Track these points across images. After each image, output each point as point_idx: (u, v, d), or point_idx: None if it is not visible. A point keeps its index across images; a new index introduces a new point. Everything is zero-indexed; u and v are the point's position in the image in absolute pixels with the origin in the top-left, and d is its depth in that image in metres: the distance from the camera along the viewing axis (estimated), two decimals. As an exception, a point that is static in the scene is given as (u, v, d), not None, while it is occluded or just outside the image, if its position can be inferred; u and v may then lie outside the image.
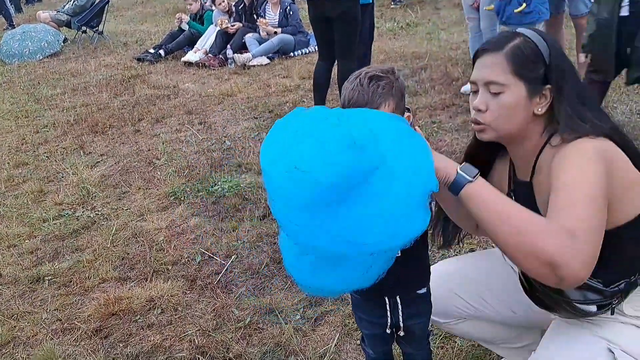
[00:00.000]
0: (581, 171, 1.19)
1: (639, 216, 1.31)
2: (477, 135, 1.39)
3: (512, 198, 1.45)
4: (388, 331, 1.54)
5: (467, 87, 4.77)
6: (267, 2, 7.13)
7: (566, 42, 4.83)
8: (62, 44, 8.85)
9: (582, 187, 1.17)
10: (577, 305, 1.34)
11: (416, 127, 1.36)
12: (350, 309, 2.20)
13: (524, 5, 3.97)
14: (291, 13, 6.96)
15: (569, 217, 1.13)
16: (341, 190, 1.09)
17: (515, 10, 4.00)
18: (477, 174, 1.18)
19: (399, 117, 1.29)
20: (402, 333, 1.54)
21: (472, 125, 1.38)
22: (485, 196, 1.17)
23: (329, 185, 1.07)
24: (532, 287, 1.41)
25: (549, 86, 1.30)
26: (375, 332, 1.57)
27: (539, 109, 1.31)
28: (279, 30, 6.89)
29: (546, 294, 1.37)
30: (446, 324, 1.78)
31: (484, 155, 1.53)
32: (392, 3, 9.55)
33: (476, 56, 1.36)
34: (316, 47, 5.88)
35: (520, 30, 1.36)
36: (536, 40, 1.31)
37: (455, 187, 1.19)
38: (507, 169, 1.52)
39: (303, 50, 6.94)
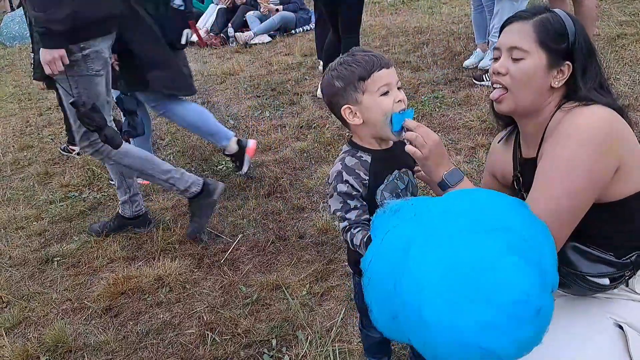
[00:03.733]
0: (573, 161, 1.25)
1: None
2: (495, 107, 1.42)
3: (519, 179, 1.47)
4: None
5: (469, 62, 4.74)
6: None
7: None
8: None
9: (568, 181, 1.25)
10: (590, 278, 1.34)
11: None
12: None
13: None
14: (290, -12, 6.90)
15: (552, 222, 1.22)
16: None
17: None
18: (458, 181, 1.36)
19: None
20: None
21: (491, 95, 1.41)
22: None
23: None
24: None
25: (568, 62, 1.34)
26: None
27: (556, 82, 1.35)
28: (280, 7, 6.83)
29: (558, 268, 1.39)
30: None
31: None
32: None
33: (505, 24, 1.41)
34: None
35: (550, 7, 1.41)
36: (564, 17, 1.36)
37: (441, 187, 1.39)
38: (512, 150, 1.53)
39: (304, 27, 6.89)
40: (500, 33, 1.43)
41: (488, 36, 4.65)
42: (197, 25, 7.12)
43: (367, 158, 1.45)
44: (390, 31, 6.26)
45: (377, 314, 1.24)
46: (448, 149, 3.41)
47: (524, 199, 1.42)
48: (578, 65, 1.34)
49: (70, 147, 4.08)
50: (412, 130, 1.35)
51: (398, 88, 1.41)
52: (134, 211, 2.97)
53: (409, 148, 1.36)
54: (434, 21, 6.39)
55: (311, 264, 2.55)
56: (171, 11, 3.03)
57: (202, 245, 2.79)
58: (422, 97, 4.23)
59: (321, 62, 4.91)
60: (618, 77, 4.05)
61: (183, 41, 3.14)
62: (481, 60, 4.68)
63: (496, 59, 1.39)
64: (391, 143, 1.49)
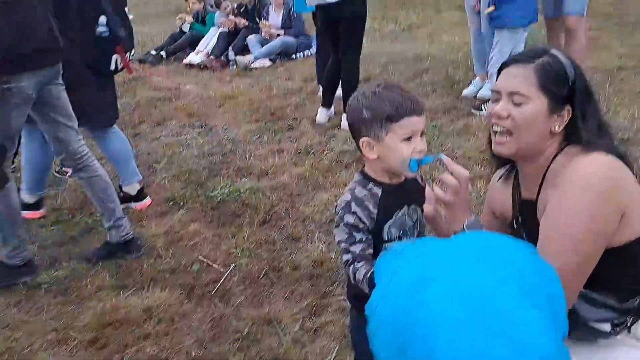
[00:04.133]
0: (579, 212, 1.23)
1: None
2: (495, 150, 1.38)
3: (518, 220, 1.44)
4: None
5: (468, 91, 4.73)
6: (270, 4, 7.09)
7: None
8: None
9: (577, 232, 1.23)
10: (591, 324, 1.31)
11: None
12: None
13: (493, 7, 3.98)
14: (295, 15, 6.92)
15: (563, 274, 1.14)
16: None
17: (486, 11, 4.01)
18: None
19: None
20: None
21: (495, 140, 1.37)
22: None
23: None
24: None
25: (568, 107, 1.32)
26: None
27: (556, 127, 1.32)
28: (282, 32, 6.85)
29: None
30: None
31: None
32: None
33: (504, 66, 1.38)
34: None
35: (547, 48, 1.39)
36: (564, 61, 1.33)
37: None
38: (511, 190, 1.50)
39: (305, 53, 6.90)
40: (498, 73, 1.40)
41: (487, 66, 4.66)
42: (198, 47, 7.15)
43: (378, 191, 1.42)
44: (390, 58, 6.28)
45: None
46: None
47: (523, 238, 1.39)
48: (578, 109, 1.32)
49: (64, 169, 4.04)
50: (451, 174, 1.30)
51: (422, 134, 1.39)
52: (121, 236, 2.91)
53: (437, 192, 1.33)
54: (434, 49, 6.42)
55: (305, 297, 2.48)
56: (97, 38, 3.01)
57: (193, 276, 2.73)
58: (421, 125, 4.20)
59: (321, 88, 4.91)
60: (617, 110, 4.04)
61: (112, 67, 3.15)
62: (480, 89, 4.67)
63: (495, 101, 1.37)
64: (403, 178, 1.46)
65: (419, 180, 1.52)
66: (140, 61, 7.32)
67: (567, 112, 1.32)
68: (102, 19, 3.02)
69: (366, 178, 1.45)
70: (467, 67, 5.40)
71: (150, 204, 3.45)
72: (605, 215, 1.24)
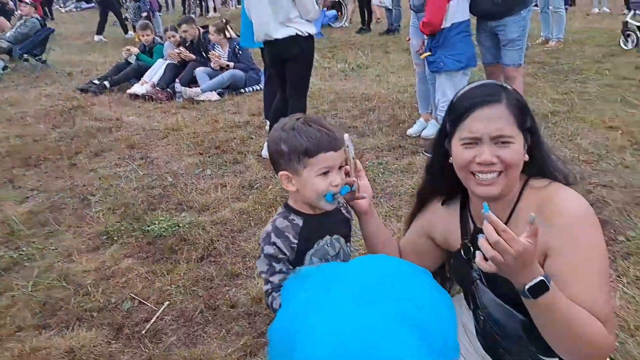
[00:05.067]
0: (595, 247, 1.24)
1: None
2: (481, 192, 1.32)
3: (469, 248, 1.41)
4: None
5: (413, 130, 4.82)
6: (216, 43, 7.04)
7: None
8: (2, 71, 8.50)
9: (600, 266, 1.23)
10: (542, 357, 1.32)
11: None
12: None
13: (429, 52, 4.14)
14: (240, 53, 6.90)
15: (600, 308, 1.19)
16: None
17: (421, 56, 4.16)
18: (543, 294, 1.15)
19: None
20: None
21: (472, 180, 1.33)
22: (561, 305, 1.18)
23: None
24: (494, 343, 1.37)
25: (528, 136, 1.35)
26: None
27: (525, 157, 1.34)
28: (231, 64, 6.83)
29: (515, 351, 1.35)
30: None
31: (432, 199, 1.59)
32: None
33: (472, 108, 1.32)
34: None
35: (499, 82, 1.40)
36: (518, 93, 1.36)
37: (534, 292, 1.15)
38: (458, 218, 1.49)
39: (254, 87, 6.90)
40: (465, 115, 1.33)
41: (431, 107, 4.78)
42: (144, 78, 7.01)
43: (299, 222, 1.43)
44: (338, 96, 6.36)
45: None
46: (389, 215, 3.38)
47: (471, 266, 1.39)
48: (537, 136, 1.36)
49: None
50: (490, 237, 1.10)
51: (340, 167, 1.41)
52: None
53: (479, 262, 1.14)
54: (381, 89, 6.56)
55: (241, 336, 2.38)
56: None
57: (123, 314, 2.57)
58: (367, 162, 4.23)
59: (268, 122, 4.88)
60: (553, 148, 4.20)
61: None
62: (424, 129, 4.77)
63: (470, 145, 1.31)
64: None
65: (343, 210, 1.56)
66: (82, 90, 7.12)
67: (528, 142, 1.35)
68: None
69: (289, 209, 1.47)
70: (412, 107, 5.52)
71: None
72: (602, 238, 1.28)
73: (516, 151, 1.30)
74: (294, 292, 1.27)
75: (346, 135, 1.49)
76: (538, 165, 1.36)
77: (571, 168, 1.40)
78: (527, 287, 1.13)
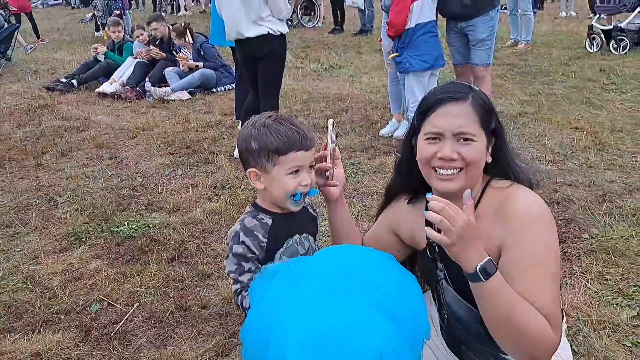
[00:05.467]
0: (546, 245, 1.27)
1: None
2: (440, 187, 1.35)
3: (435, 247, 1.43)
4: None
5: (385, 130, 4.86)
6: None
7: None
8: (-36, 69, 8.27)
9: (548, 264, 1.26)
10: (502, 355, 1.35)
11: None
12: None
13: (396, 53, 4.19)
14: (203, 53, 6.82)
15: (544, 303, 1.22)
16: None
17: (389, 57, 4.21)
18: (493, 274, 1.21)
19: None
20: None
21: (432, 174, 1.36)
22: (506, 291, 1.22)
23: None
24: (458, 341, 1.39)
25: (493, 137, 1.37)
26: None
27: (488, 158, 1.37)
28: (200, 64, 6.76)
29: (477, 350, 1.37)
30: None
31: (401, 197, 1.60)
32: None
33: (437, 104, 1.34)
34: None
35: (468, 83, 1.43)
36: (485, 94, 1.38)
37: (471, 279, 1.23)
38: (424, 218, 1.50)
39: (226, 87, 6.85)
40: (430, 110, 1.36)
41: (403, 108, 4.83)
42: (113, 77, 6.90)
43: (268, 221, 1.43)
44: (311, 96, 6.36)
45: None
46: (361, 214, 3.40)
47: (436, 265, 1.41)
48: (501, 139, 1.38)
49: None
50: (436, 212, 1.19)
51: (311, 166, 1.42)
52: None
53: (430, 233, 1.22)
54: (354, 89, 6.59)
55: (212, 337, 2.36)
56: None
57: (92, 316, 2.52)
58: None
59: (240, 122, 4.85)
60: (518, 152, 4.28)
61: None
62: (396, 130, 4.82)
63: (434, 140, 1.34)
64: None
65: (310, 209, 1.57)
66: (49, 88, 6.97)
67: (493, 142, 1.38)
68: None
69: (257, 208, 1.46)
70: (384, 107, 5.56)
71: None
72: (557, 240, 1.31)
73: (477, 150, 1.32)
74: (262, 291, 1.27)
75: (330, 121, 1.53)
76: (501, 167, 1.39)
77: (536, 171, 1.44)
78: (479, 266, 1.19)
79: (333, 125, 1.53)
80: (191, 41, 6.75)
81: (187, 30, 6.73)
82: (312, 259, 1.32)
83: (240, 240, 1.38)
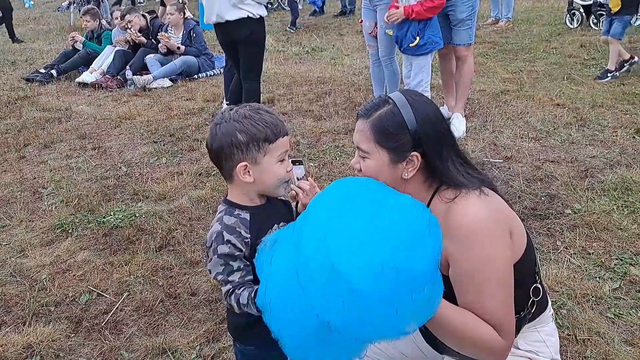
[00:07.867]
0: (487, 255, 1.26)
1: (521, 256, 1.35)
2: None
3: None
4: None
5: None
6: (168, 25, 6.89)
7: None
8: (-61, 61, 8.08)
9: (490, 274, 1.26)
10: None
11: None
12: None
13: (418, 39, 4.14)
14: (194, 35, 6.79)
15: (491, 314, 1.25)
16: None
17: (411, 45, 4.16)
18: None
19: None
20: None
21: None
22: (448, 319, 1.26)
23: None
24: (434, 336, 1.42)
25: (415, 153, 1.32)
26: None
27: (406, 174, 1.35)
28: (182, 47, 6.69)
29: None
30: None
31: None
32: (290, 29, 9.69)
33: (357, 117, 1.41)
34: (221, 70, 5.85)
35: (392, 95, 1.38)
36: (403, 110, 1.33)
37: None
38: None
39: (208, 73, 6.79)
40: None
41: (386, 89, 4.83)
42: (93, 66, 6.80)
43: (246, 215, 1.40)
44: (294, 80, 6.34)
45: (293, 332, 1.19)
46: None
47: None
48: (430, 152, 1.33)
49: None
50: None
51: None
52: None
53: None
54: (336, 72, 6.57)
55: (203, 323, 2.38)
56: None
57: (82, 307, 2.53)
58: (324, 145, 4.26)
59: (226, 104, 4.83)
60: (501, 130, 4.32)
61: None
62: (379, 111, 4.82)
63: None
64: (266, 198, 1.46)
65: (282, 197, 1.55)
66: (28, 79, 6.85)
67: (416, 158, 1.33)
68: None
69: (231, 205, 1.41)
70: (367, 89, 5.56)
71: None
72: (505, 242, 1.30)
73: (370, 166, 1.36)
74: (271, 254, 1.25)
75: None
76: (439, 178, 1.37)
77: (484, 178, 1.39)
78: None
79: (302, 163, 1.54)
80: (189, 16, 6.71)
81: (185, 7, 6.69)
82: (308, 209, 1.27)
83: (225, 239, 1.34)
